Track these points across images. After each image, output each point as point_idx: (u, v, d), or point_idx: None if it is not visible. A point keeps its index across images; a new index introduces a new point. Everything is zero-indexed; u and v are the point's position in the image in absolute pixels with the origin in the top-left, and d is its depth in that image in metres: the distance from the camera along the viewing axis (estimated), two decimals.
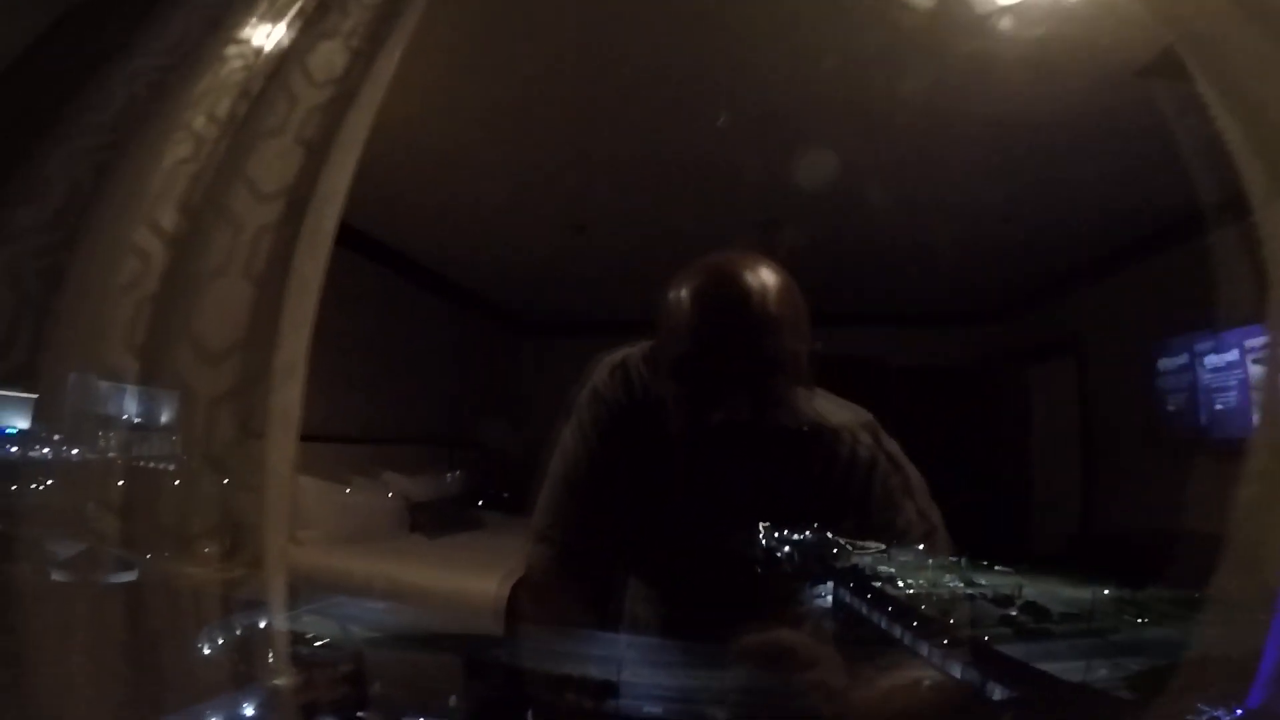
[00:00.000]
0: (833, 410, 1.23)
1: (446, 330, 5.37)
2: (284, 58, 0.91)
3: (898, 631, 1.96)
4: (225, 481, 0.95)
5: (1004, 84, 2.10)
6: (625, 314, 3.65)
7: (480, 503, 3.85)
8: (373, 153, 1.00)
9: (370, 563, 3.56)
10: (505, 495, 3.89)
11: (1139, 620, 1.52)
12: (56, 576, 1.34)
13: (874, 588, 2.19)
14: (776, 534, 1.66)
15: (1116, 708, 1.17)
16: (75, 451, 0.94)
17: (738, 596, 1.65)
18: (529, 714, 1.59)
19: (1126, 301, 4.42)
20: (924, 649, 1.84)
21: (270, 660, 1.39)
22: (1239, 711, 0.93)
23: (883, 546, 1.89)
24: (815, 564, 1.69)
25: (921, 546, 1.45)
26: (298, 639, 1.49)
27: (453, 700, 1.51)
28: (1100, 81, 2.02)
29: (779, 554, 1.66)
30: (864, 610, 2.09)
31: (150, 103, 0.89)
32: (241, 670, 1.26)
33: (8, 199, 0.85)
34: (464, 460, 4.25)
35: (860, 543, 1.70)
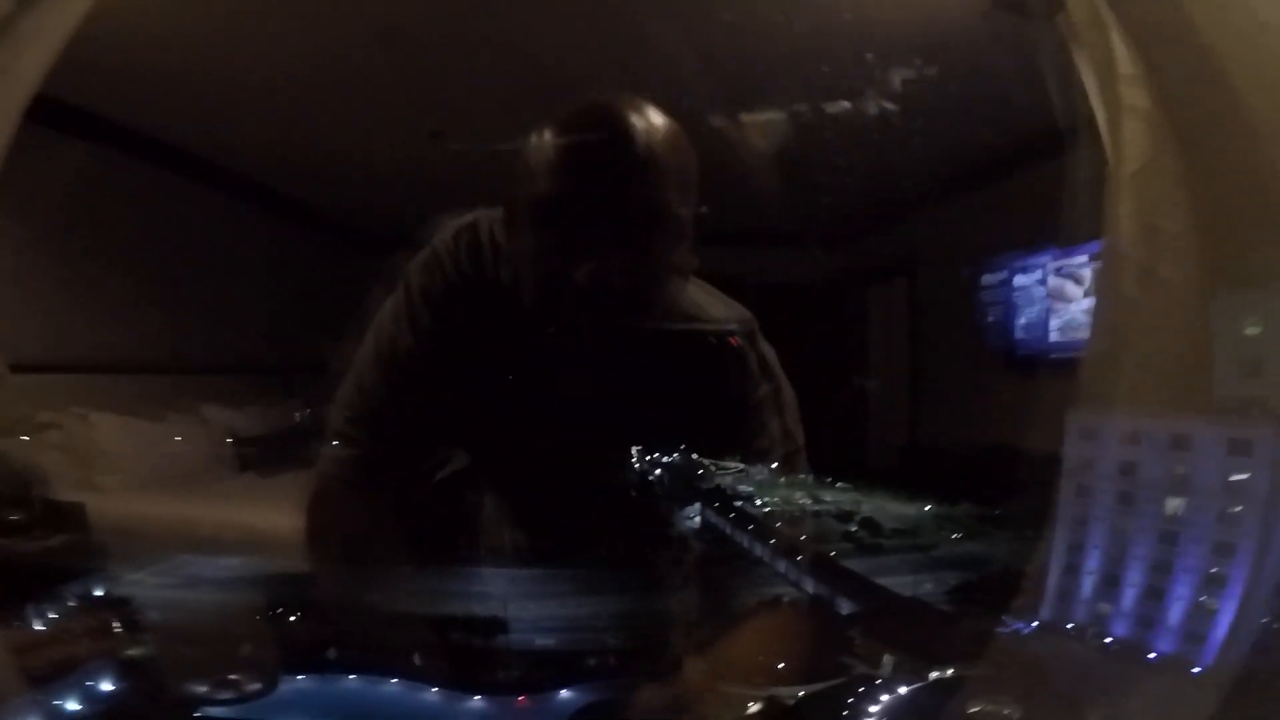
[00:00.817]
0: (711, 303, 1.11)
1: (277, 246, 4.79)
2: None
3: (758, 550, 2.17)
4: None
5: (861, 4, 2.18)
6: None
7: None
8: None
9: (192, 507, 3.22)
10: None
11: (955, 536, 1.80)
12: None
13: (735, 508, 2.38)
14: (646, 456, 1.74)
15: (939, 621, 1.35)
16: None
17: (602, 519, 1.61)
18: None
19: (961, 225, 4.93)
20: (781, 566, 2.06)
21: (116, 629, 1.28)
22: (1034, 625, 1.02)
23: (741, 466, 2.05)
24: (682, 485, 1.80)
25: (780, 465, 1.45)
26: (136, 603, 1.36)
27: (331, 652, 1.43)
28: (957, 9, 2.18)
29: (649, 477, 1.73)
30: (728, 530, 2.28)
31: None
32: (89, 644, 1.14)
33: None
34: (301, 389, 3.90)
35: (722, 463, 1.83)
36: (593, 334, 0.97)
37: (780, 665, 1.34)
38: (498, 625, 1.73)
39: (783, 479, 2.52)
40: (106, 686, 1.07)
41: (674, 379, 1.12)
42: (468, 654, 1.60)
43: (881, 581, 1.73)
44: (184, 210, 4.29)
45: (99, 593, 1.29)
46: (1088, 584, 0.96)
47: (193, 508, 3.08)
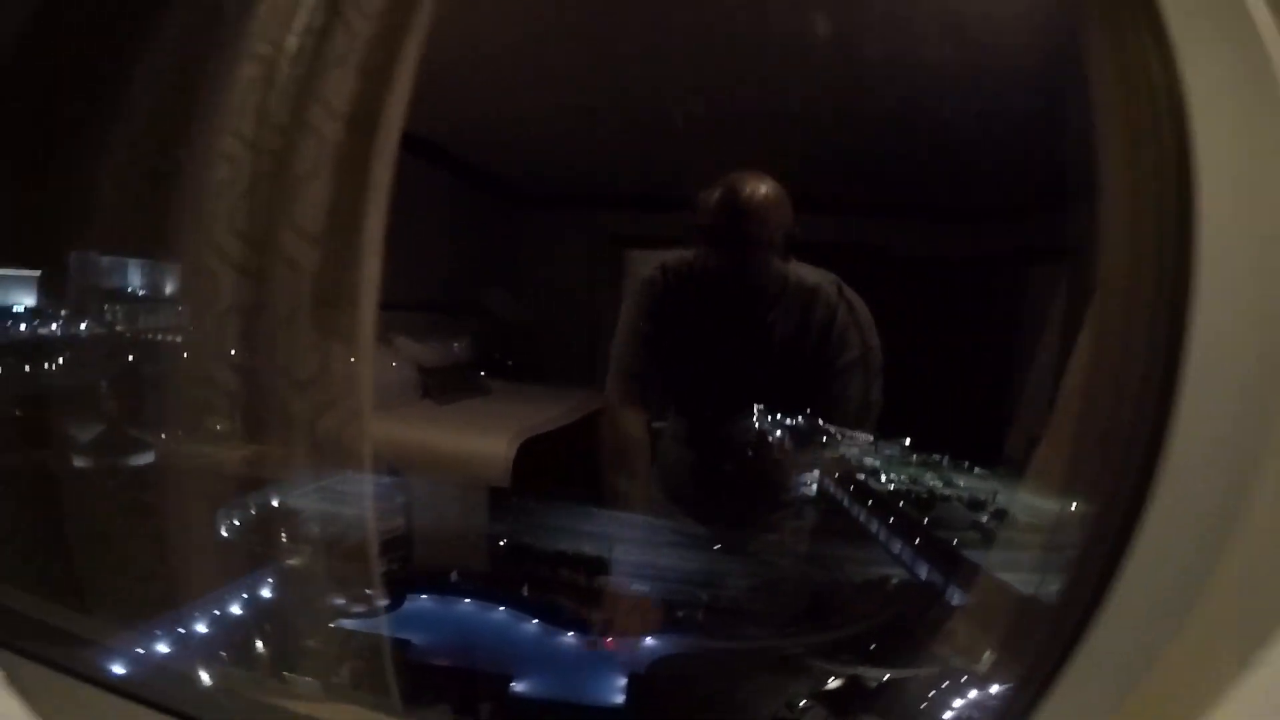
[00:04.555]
0: (805, 271, 1.49)
1: (449, 202, 5.22)
2: None
3: (874, 527, 2.07)
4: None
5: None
6: (619, 190, 3.57)
7: (482, 370, 3.93)
8: None
9: (389, 428, 3.68)
10: (509, 363, 3.95)
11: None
12: (80, 462, 1.39)
13: (858, 481, 2.28)
14: (768, 415, 1.73)
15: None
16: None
17: (718, 475, 1.74)
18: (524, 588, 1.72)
19: None
20: (897, 547, 1.95)
21: (284, 539, 1.45)
22: None
23: (870, 437, 1.94)
24: (803, 450, 1.76)
25: (858, 367, 1.55)
26: (302, 515, 1.53)
27: (453, 575, 1.64)
28: None
29: (769, 437, 1.73)
30: (846, 503, 2.20)
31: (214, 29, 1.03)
32: (258, 550, 1.33)
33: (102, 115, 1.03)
34: (467, 328, 4.29)
35: (850, 432, 1.76)
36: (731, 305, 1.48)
37: (873, 646, 1.31)
38: (601, 566, 1.84)
39: (914, 457, 2.35)
40: (267, 593, 1.24)
41: (776, 336, 1.49)
42: (569, 591, 1.74)
43: (1005, 577, 1.58)
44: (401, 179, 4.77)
45: (275, 503, 1.44)
46: None
47: (381, 427, 3.55)
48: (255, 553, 1.32)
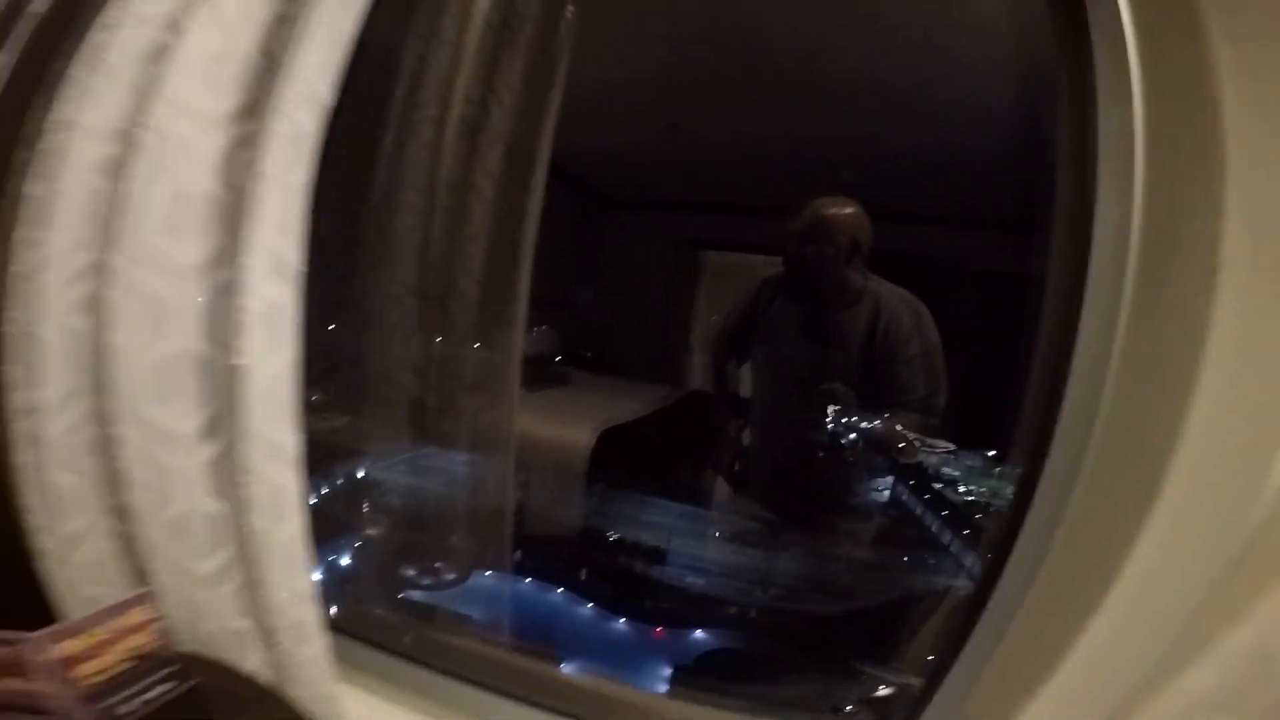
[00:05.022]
0: (882, 284, 1.59)
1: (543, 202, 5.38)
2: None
3: (946, 538, 1.97)
4: None
5: None
6: (697, 197, 3.69)
7: (558, 359, 4.06)
8: None
9: None
10: (588, 355, 4.07)
11: None
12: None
13: (934, 490, 2.17)
14: (844, 419, 1.71)
15: None
16: None
17: (787, 473, 1.78)
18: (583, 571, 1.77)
19: None
20: (968, 560, 1.85)
21: (365, 511, 1.54)
22: None
23: (952, 447, 1.86)
24: (878, 454, 1.71)
25: (919, 367, 1.57)
26: (384, 487, 1.52)
27: (518, 555, 1.71)
28: None
29: (842, 439, 1.71)
30: (918, 511, 2.11)
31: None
32: (341, 521, 1.44)
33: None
34: (550, 320, 4.43)
35: (930, 441, 1.70)
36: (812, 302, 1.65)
37: (930, 657, 1.28)
38: (658, 556, 1.87)
39: (995, 470, 2.21)
40: (345, 560, 1.34)
41: (847, 333, 1.60)
42: (625, 578, 1.78)
43: None
44: None
45: (360, 474, 1.49)
46: None
47: None
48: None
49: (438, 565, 1.46)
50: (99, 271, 0.63)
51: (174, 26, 0.66)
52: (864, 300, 1.56)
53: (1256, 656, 0.45)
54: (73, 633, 0.52)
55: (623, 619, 1.58)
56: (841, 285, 1.57)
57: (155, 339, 0.60)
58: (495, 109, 1.21)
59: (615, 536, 2.02)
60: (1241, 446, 0.50)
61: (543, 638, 1.48)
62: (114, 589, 0.70)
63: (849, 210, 1.56)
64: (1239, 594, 0.47)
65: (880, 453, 1.70)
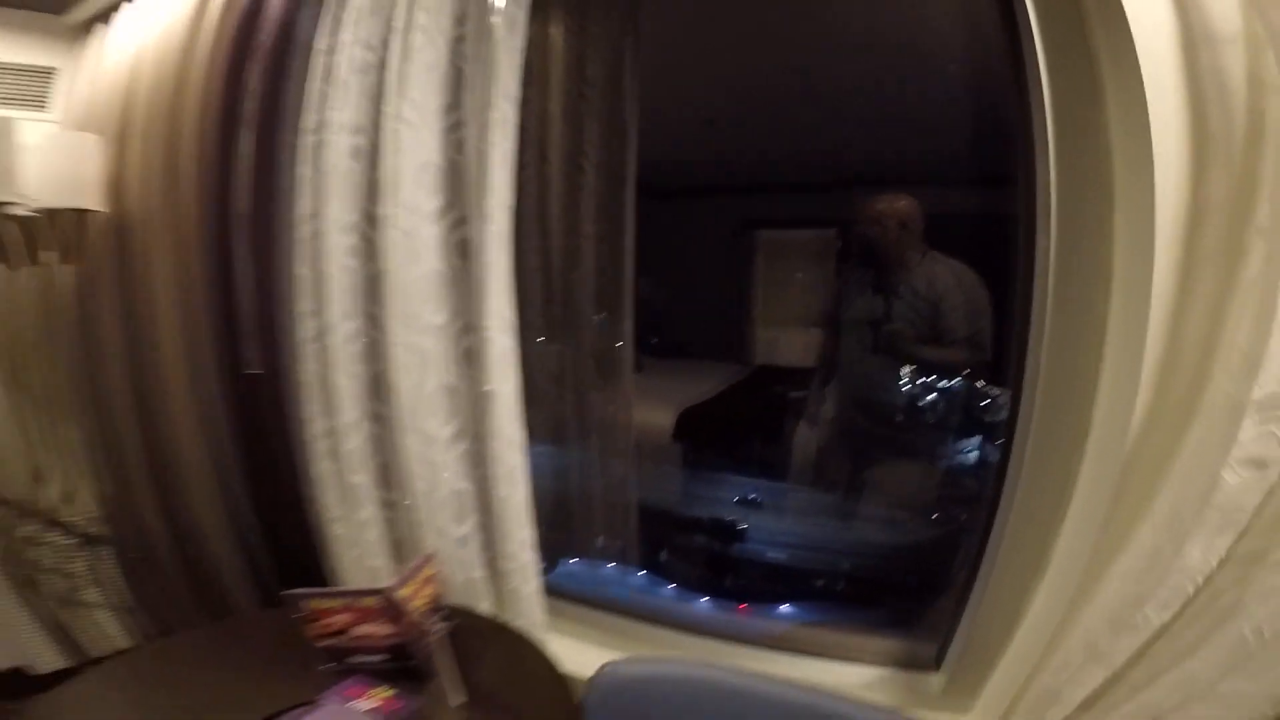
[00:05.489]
0: (936, 258, 1.92)
1: None
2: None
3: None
4: None
5: None
6: (737, 183, 3.86)
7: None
8: None
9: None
10: (654, 340, 4.20)
11: None
12: None
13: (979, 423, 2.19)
14: (920, 378, 1.93)
15: None
16: None
17: (868, 442, 1.97)
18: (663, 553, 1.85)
19: None
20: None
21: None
22: None
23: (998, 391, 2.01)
24: (961, 416, 1.88)
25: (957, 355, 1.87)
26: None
27: (600, 541, 1.82)
28: None
29: (920, 402, 1.95)
30: (964, 446, 2.13)
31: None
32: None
33: None
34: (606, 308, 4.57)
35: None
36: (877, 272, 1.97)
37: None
38: (736, 533, 1.99)
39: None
40: None
41: (906, 293, 1.93)
42: (706, 557, 1.91)
43: None
44: None
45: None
46: None
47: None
48: None
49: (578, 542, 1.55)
50: (373, 331, 0.91)
51: (364, 132, 0.94)
52: (918, 265, 1.91)
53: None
54: (404, 582, 0.78)
55: (705, 597, 1.58)
56: (898, 255, 1.93)
57: (422, 376, 0.89)
58: (589, 151, 1.50)
59: (699, 514, 2.14)
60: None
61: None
62: (383, 561, 0.99)
63: (900, 203, 1.92)
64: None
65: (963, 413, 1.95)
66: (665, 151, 3.14)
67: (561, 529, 1.67)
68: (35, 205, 1.24)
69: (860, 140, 2.69)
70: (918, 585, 1.65)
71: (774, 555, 1.96)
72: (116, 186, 1.31)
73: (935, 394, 2.00)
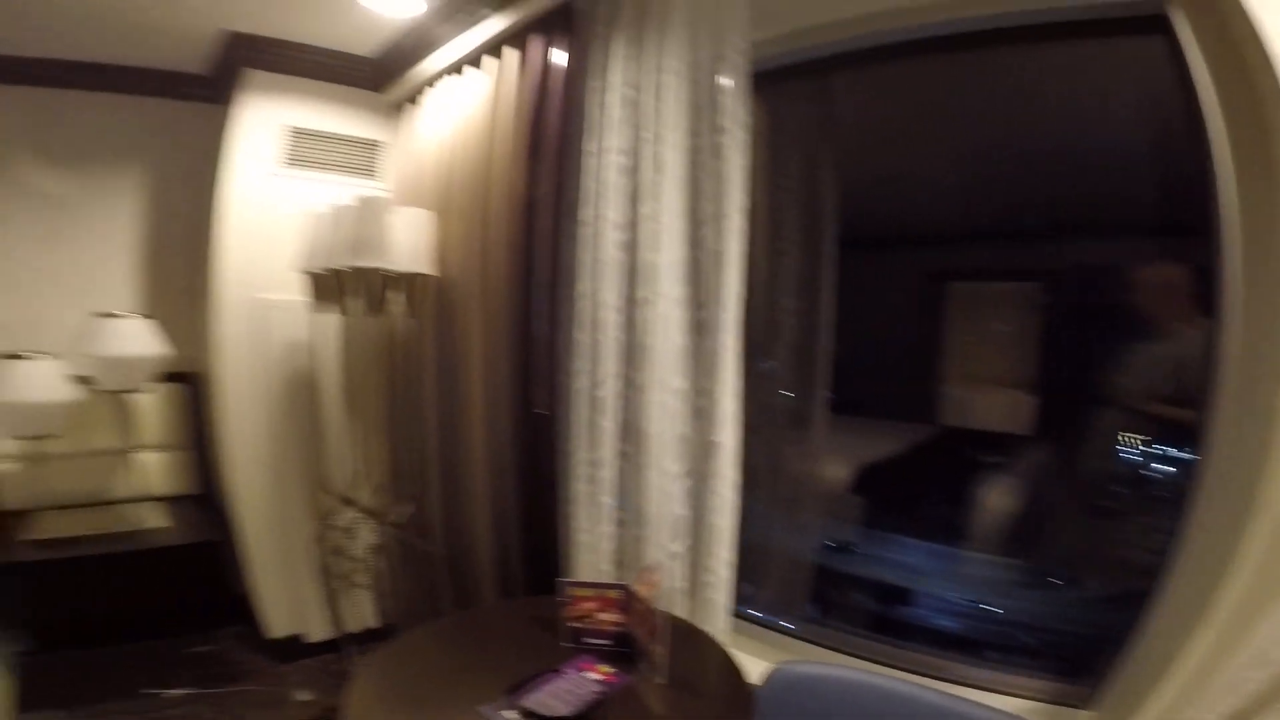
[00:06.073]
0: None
1: None
2: None
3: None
4: None
5: None
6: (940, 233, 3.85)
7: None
8: None
9: None
10: (831, 395, 4.17)
11: None
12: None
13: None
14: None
15: None
16: None
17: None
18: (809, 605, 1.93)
19: None
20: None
21: None
22: None
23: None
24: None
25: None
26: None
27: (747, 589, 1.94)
28: None
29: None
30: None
31: None
32: None
33: None
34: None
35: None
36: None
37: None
38: (904, 596, 2.02)
39: None
40: None
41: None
42: (874, 619, 1.97)
43: None
44: None
45: None
46: None
47: None
48: None
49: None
50: (630, 389, 1.23)
51: (626, 228, 1.25)
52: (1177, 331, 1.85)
53: None
54: (640, 582, 1.07)
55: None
56: (1166, 325, 1.91)
57: (664, 426, 1.19)
58: (789, 233, 1.76)
59: (870, 573, 2.20)
60: None
61: None
62: (609, 567, 1.29)
63: (1166, 271, 1.88)
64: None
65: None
66: (849, 203, 3.22)
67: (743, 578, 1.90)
68: (395, 269, 1.68)
69: (1054, 189, 2.65)
70: (1088, 637, 1.63)
71: (944, 623, 1.97)
72: (442, 255, 1.77)
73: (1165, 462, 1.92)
